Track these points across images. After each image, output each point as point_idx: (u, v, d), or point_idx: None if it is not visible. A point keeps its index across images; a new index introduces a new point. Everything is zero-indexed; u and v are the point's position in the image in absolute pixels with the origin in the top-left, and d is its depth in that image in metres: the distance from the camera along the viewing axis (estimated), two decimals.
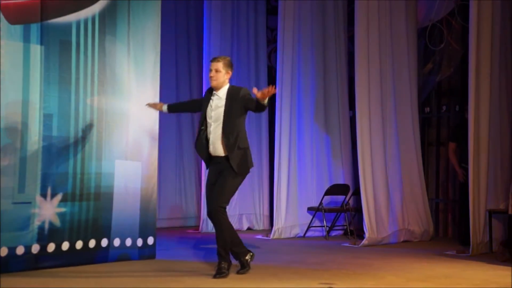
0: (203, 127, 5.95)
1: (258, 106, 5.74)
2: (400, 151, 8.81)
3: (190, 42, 10.55)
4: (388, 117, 8.72)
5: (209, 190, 5.96)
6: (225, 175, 5.83)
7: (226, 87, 5.93)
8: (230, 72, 5.94)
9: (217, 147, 5.87)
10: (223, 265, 5.77)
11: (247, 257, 5.99)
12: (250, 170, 6.02)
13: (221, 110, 5.85)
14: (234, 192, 6.02)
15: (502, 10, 7.91)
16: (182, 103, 6.77)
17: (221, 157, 5.87)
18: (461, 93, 9.26)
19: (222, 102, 5.86)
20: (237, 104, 5.82)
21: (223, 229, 5.80)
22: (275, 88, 5.60)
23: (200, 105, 6.09)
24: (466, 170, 7.91)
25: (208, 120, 5.93)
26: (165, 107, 6.30)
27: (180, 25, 10.43)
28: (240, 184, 6.00)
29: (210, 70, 5.90)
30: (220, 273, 5.72)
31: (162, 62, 7.09)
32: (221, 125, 5.83)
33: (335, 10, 9.67)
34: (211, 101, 5.94)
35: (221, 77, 5.88)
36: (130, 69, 6.73)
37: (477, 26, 7.54)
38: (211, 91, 6.00)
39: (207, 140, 5.94)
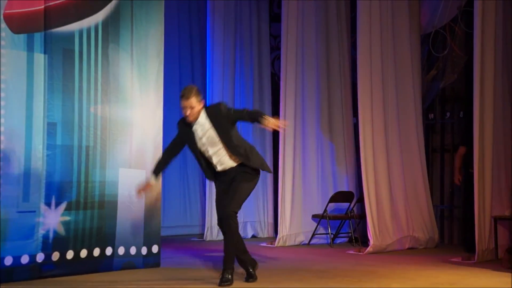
0: (201, 159, 5.84)
1: (254, 120, 5.64)
2: (404, 158, 8.80)
3: (193, 48, 10.54)
4: (392, 124, 8.70)
5: (221, 197, 5.88)
6: (239, 180, 5.78)
7: (203, 113, 5.74)
8: (202, 101, 5.75)
9: (227, 164, 5.81)
10: (228, 273, 5.75)
11: (255, 267, 5.98)
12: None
13: (211, 132, 5.71)
14: (247, 196, 5.91)
15: (504, 15, 7.90)
16: (162, 160, 6.02)
17: (233, 167, 5.83)
18: (465, 99, 9.25)
19: (208, 125, 5.72)
20: (224, 119, 5.70)
21: (233, 235, 5.76)
22: (286, 123, 5.63)
23: (180, 142, 5.90)
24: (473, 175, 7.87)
25: (202, 149, 5.80)
26: (152, 178, 5.96)
27: (183, 31, 10.43)
28: (253, 188, 5.93)
29: (184, 108, 5.68)
30: (225, 281, 5.70)
31: (165, 70, 7.09)
32: (222, 147, 5.74)
33: (338, 16, 9.67)
34: (194, 132, 5.76)
35: (196, 111, 5.69)
36: (133, 77, 6.74)
37: (481, 32, 7.53)
38: (186, 123, 5.79)
39: (212, 165, 5.86)
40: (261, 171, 5.93)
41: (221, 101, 5.89)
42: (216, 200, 5.98)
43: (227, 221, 5.73)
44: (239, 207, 5.81)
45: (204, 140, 5.76)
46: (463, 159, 8.45)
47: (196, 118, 5.73)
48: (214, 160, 5.81)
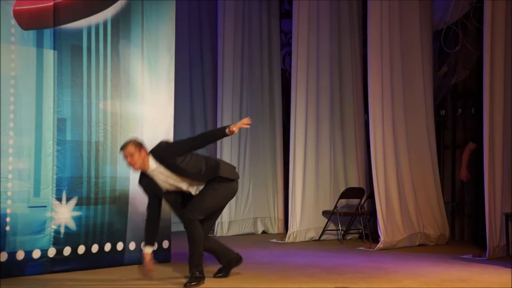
0: (169, 196, 5.79)
1: (211, 140, 5.87)
2: (415, 155, 8.77)
3: (203, 45, 10.51)
4: (402, 121, 8.68)
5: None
6: (205, 188, 5.75)
7: (151, 160, 5.60)
8: (143, 149, 5.61)
9: (198, 185, 5.80)
10: (193, 276, 5.64)
11: (232, 264, 6.05)
12: (239, 176, 6.01)
13: (170, 174, 5.62)
14: (213, 203, 5.78)
15: None
16: (150, 227, 5.83)
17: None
18: (476, 96, 9.21)
19: (163, 169, 5.61)
20: (171, 158, 5.59)
21: (193, 241, 5.66)
22: (249, 119, 5.61)
23: (154, 198, 5.76)
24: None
25: (171, 188, 5.72)
26: (149, 249, 5.74)
27: (194, 27, 10.43)
28: (219, 194, 5.77)
29: (125, 158, 5.60)
30: (190, 282, 5.60)
31: (176, 66, 7.09)
32: (186, 179, 5.68)
33: (350, 13, 9.64)
34: (156, 179, 5.65)
35: (139, 158, 5.56)
36: (144, 72, 6.76)
37: (491, 28, 7.49)
38: (143, 176, 5.71)
39: (183, 193, 5.81)
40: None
41: (161, 141, 5.80)
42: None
43: (187, 226, 5.68)
44: (200, 213, 5.69)
45: (171, 181, 5.67)
46: (472, 155, 8.41)
47: (145, 167, 5.60)
48: (186, 189, 5.76)
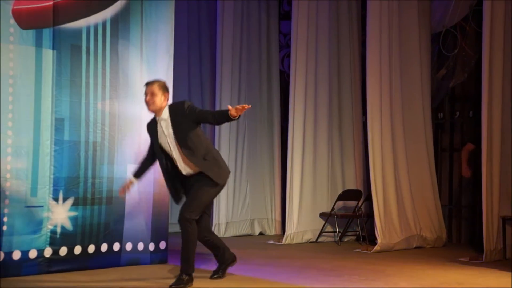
0: (163, 158, 5.69)
1: (222, 120, 5.52)
2: (412, 157, 8.78)
3: (202, 46, 10.49)
4: (400, 123, 8.69)
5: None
6: (201, 184, 5.62)
7: (166, 109, 5.62)
8: (166, 94, 5.64)
9: (189, 169, 5.67)
10: (183, 276, 5.59)
11: (228, 264, 6.04)
12: (229, 177, 5.84)
13: (171, 131, 5.60)
14: (207, 202, 5.76)
15: None
16: (143, 161, 6.01)
17: (196, 173, 5.68)
18: (474, 99, 9.22)
19: (169, 123, 5.59)
20: (185, 118, 5.55)
21: (188, 240, 5.61)
22: (249, 105, 5.46)
23: (157, 147, 5.74)
24: None
25: (165, 148, 5.66)
26: (133, 179, 5.98)
27: (192, 28, 10.41)
28: (214, 195, 5.79)
29: (146, 94, 5.61)
30: (177, 283, 5.55)
31: (174, 67, 7.09)
32: (178, 146, 5.59)
33: (349, 14, 9.64)
34: (158, 128, 5.65)
35: (157, 100, 5.57)
36: (143, 73, 6.75)
37: (490, 31, 7.50)
38: (152, 121, 5.73)
39: (175, 168, 5.71)
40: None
41: (186, 100, 5.71)
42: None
43: (183, 225, 5.61)
44: (197, 213, 5.64)
45: (167, 139, 5.62)
46: (471, 157, 8.42)
47: (159, 111, 5.60)
48: (178, 163, 5.67)
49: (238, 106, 5.35)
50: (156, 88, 5.59)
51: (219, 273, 6.00)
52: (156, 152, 5.78)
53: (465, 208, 9.37)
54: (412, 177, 8.76)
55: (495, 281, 6.22)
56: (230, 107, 5.39)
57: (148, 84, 5.68)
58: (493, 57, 7.55)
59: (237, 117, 5.41)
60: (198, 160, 5.60)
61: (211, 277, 5.96)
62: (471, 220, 9.24)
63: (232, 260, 6.08)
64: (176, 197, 5.85)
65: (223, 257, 6.01)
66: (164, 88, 5.66)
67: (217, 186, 5.72)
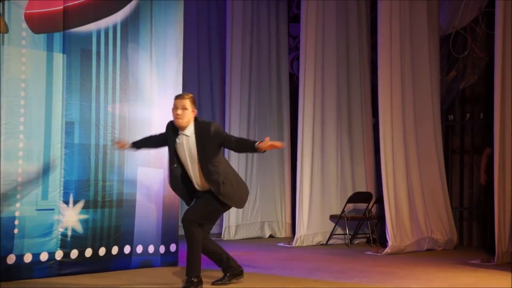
0: (175, 165, 5.61)
1: (245, 150, 5.57)
2: (423, 159, 8.76)
3: (212, 49, 10.50)
4: (410, 125, 8.67)
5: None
6: (212, 196, 5.56)
7: (192, 125, 5.54)
8: (195, 111, 5.58)
9: (203, 186, 5.61)
10: (190, 281, 5.54)
11: (232, 274, 5.85)
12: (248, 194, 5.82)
13: (194, 149, 5.50)
14: (213, 215, 5.71)
15: None
16: (145, 139, 6.04)
17: (208, 190, 5.61)
18: (485, 101, 9.18)
19: (193, 141, 5.50)
20: (210, 140, 5.46)
21: (194, 243, 5.53)
22: (283, 143, 5.40)
23: (162, 141, 5.75)
24: None
25: (182, 160, 5.59)
26: (129, 145, 5.97)
27: (202, 32, 10.41)
28: (221, 211, 5.75)
29: (176, 108, 5.49)
30: (188, 286, 5.52)
31: (184, 70, 7.09)
32: (198, 166, 5.52)
33: (358, 17, 9.64)
34: (177, 139, 5.55)
35: (187, 115, 5.49)
36: (152, 76, 6.77)
37: (503, 32, 7.48)
38: (174, 128, 5.60)
39: (186, 178, 5.65)
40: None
41: (214, 121, 5.69)
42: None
43: (187, 228, 5.53)
44: (202, 220, 5.58)
45: (187, 153, 5.55)
46: (490, 160, 8.37)
47: (185, 125, 5.52)
48: (193, 178, 5.61)
49: (274, 143, 5.26)
50: (187, 103, 5.50)
51: (223, 280, 5.82)
52: (169, 155, 5.70)
53: (476, 210, 9.33)
54: (423, 179, 8.73)
55: (507, 284, 6.19)
56: (266, 139, 5.27)
57: (179, 97, 5.57)
58: (506, 58, 7.52)
59: (263, 151, 5.37)
60: (215, 185, 5.51)
61: (213, 283, 5.79)
62: (482, 222, 9.20)
63: (239, 273, 5.87)
64: (187, 198, 5.77)
65: (226, 264, 5.84)
66: (194, 104, 5.58)
67: (225, 206, 5.68)
